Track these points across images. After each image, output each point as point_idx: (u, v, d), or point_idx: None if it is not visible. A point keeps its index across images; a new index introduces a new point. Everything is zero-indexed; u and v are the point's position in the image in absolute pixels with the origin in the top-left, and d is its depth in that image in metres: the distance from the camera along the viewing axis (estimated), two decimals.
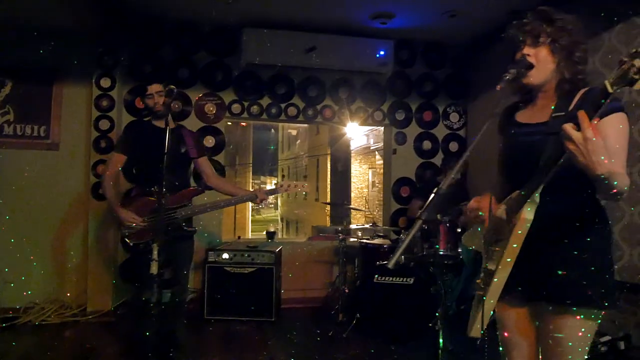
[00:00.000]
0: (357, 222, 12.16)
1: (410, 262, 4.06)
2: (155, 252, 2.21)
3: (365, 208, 11.97)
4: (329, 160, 15.12)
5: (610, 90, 1.22)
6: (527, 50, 1.66)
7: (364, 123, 5.70)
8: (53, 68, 4.80)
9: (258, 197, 3.25)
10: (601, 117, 1.31)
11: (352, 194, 16.66)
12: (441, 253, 4.13)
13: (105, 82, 4.75)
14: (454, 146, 5.71)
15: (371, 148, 14.30)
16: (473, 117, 5.70)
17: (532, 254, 1.59)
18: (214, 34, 5.08)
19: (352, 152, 16.15)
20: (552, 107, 1.65)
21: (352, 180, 16.88)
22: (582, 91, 1.62)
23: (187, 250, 3.33)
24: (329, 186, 16.02)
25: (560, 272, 1.59)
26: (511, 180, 1.74)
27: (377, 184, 13.44)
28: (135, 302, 4.55)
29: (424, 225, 4.18)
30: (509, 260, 1.57)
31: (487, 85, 5.28)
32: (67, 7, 3.98)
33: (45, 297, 4.60)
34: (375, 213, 11.49)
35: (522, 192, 1.56)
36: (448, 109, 5.73)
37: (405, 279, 3.96)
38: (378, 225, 4.79)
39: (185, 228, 3.22)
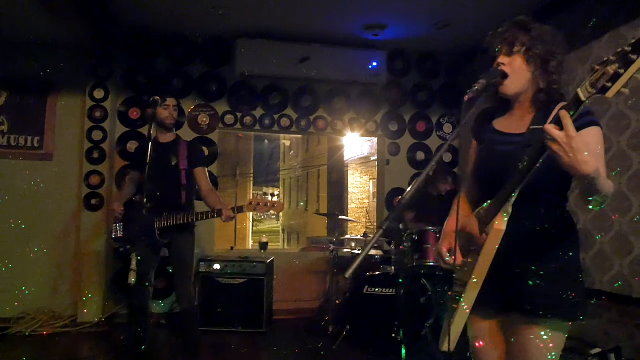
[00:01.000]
0: (356, 233, 12.12)
1: (401, 273, 4.04)
2: (133, 262, 2.21)
3: (366, 219, 11.94)
4: (327, 171, 15.18)
5: (583, 98, 1.21)
6: (502, 59, 1.65)
7: (358, 134, 5.70)
8: (48, 80, 4.85)
9: (224, 215, 3.16)
10: (578, 130, 1.28)
11: (353, 205, 16.64)
12: (431, 264, 4.12)
13: (99, 94, 4.79)
14: (447, 157, 5.70)
15: (371, 159, 14.31)
16: (467, 128, 5.68)
17: (502, 265, 1.57)
18: (207, 45, 5.12)
19: (352, 163, 16.16)
20: (530, 119, 1.65)
21: (353, 191, 16.87)
22: (560, 105, 1.61)
23: (182, 258, 3.32)
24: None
25: (530, 284, 1.57)
26: (484, 189, 1.72)
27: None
28: (128, 313, 4.58)
29: (414, 237, 4.18)
30: (481, 271, 1.56)
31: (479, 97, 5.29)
32: (59, 20, 4.03)
33: (37, 308, 4.60)
34: (374, 224, 11.46)
35: (494, 202, 1.55)
36: (442, 120, 5.73)
37: (394, 290, 3.93)
38: (370, 236, 4.76)
39: (177, 239, 3.25)
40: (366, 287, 3.99)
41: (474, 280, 1.57)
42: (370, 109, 5.57)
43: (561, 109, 1.59)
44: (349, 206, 16.30)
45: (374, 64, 5.15)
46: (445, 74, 5.69)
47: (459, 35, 5.04)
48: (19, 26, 4.42)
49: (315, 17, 4.67)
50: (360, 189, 17.00)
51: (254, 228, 23.48)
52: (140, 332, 2.93)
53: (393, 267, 4.06)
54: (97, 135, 4.78)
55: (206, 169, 3.51)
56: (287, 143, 18.82)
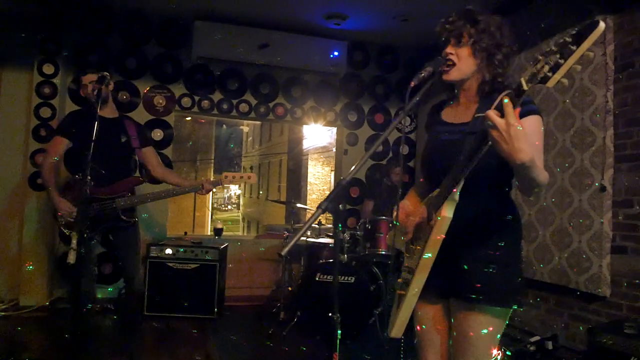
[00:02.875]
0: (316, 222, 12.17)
1: (353, 261, 4.09)
2: (74, 241, 2.14)
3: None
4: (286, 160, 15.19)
5: (525, 87, 1.24)
6: (450, 49, 1.67)
7: (317, 123, 5.71)
8: None
9: (204, 188, 3.19)
10: (519, 118, 1.31)
11: (314, 196, 16.67)
12: (383, 252, 4.19)
13: (49, 69, 4.59)
14: (404, 149, 5.79)
15: (332, 150, 14.36)
16: (424, 121, 5.78)
17: (446, 252, 1.60)
18: (164, 26, 4.99)
19: (314, 153, 16.16)
20: (475, 108, 1.68)
21: (315, 182, 16.90)
22: (504, 93, 1.66)
23: (130, 241, 3.25)
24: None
25: (469, 270, 1.62)
26: (431, 179, 1.76)
27: None
28: (71, 297, 4.44)
29: (367, 225, 4.22)
30: (428, 258, 1.58)
31: (436, 90, 5.38)
32: None
33: None
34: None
35: (441, 190, 1.58)
36: (400, 112, 5.80)
37: (346, 278, 3.97)
38: (323, 224, 4.80)
39: (124, 218, 3.14)
40: (318, 274, 4.02)
41: (427, 258, 1.59)
42: (330, 98, 5.58)
43: (503, 96, 1.65)
44: (310, 197, 16.32)
45: (335, 53, 5.16)
46: (404, 68, 5.75)
47: (418, 30, 5.09)
48: None
49: (276, 3, 4.62)
50: (322, 179, 17.04)
51: (214, 216, 23.23)
52: (82, 317, 2.83)
53: (345, 256, 4.09)
54: (45, 112, 4.58)
55: None
56: (246, 129, 18.61)
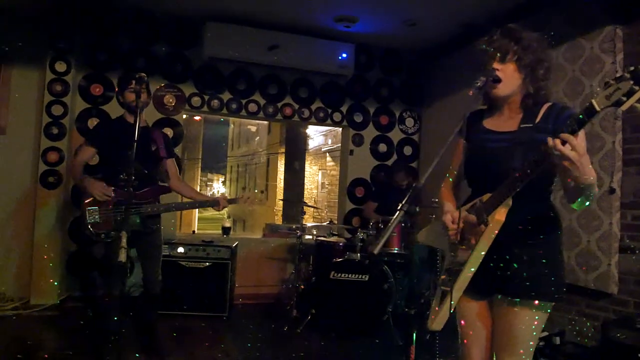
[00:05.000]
0: (312, 221, 12.25)
1: (366, 259, 4.18)
2: (124, 240, 2.18)
3: (319, 207, 12.09)
4: (284, 159, 15.16)
5: (597, 108, 1.34)
6: (495, 65, 1.78)
7: (324, 123, 5.79)
8: (0, 48, 4.54)
9: (220, 205, 3.30)
10: (572, 133, 1.41)
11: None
12: (395, 251, 4.30)
13: (61, 67, 4.57)
14: (408, 150, 5.91)
15: (322, 150, 14.44)
16: (427, 123, 5.93)
17: (494, 251, 1.71)
18: (174, 25, 5.02)
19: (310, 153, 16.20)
20: (520, 118, 1.79)
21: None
22: (546, 105, 1.78)
23: (152, 246, 3.32)
24: (278, 185, 16.01)
25: (519, 268, 1.74)
26: (476, 183, 1.88)
27: (327, 185, 13.58)
28: (90, 295, 4.44)
29: (380, 225, 4.33)
30: (477, 257, 1.70)
31: (441, 93, 5.53)
32: None
33: None
34: (324, 214, 11.62)
35: (495, 195, 1.68)
36: (404, 114, 5.93)
37: (360, 276, 4.07)
38: (335, 223, 4.88)
39: (148, 224, 3.20)
40: (332, 272, 4.10)
41: (469, 266, 1.71)
42: (336, 99, 5.67)
43: (547, 109, 1.75)
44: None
45: (344, 55, 5.25)
46: (407, 71, 5.88)
47: (422, 35, 5.23)
48: None
49: (288, 5, 4.68)
50: (309, 179, 17.10)
51: (200, 214, 23.05)
52: (116, 319, 2.87)
53: (358, 254, 4.19)
54: (57, 110, 4.56)
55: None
56: (253, 129, 18.64)
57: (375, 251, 1.38)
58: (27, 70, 4.64)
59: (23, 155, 4.60)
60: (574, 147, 1.39)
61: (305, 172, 16.96)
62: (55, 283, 4.51)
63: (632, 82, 1.26)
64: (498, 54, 1.78)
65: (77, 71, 4.71)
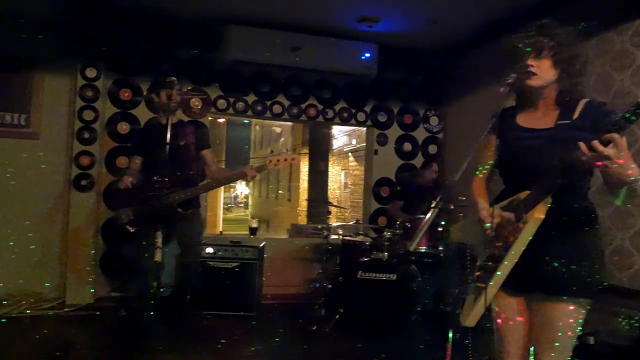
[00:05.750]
0: (336, 221, 12.26)
1: (394, 258, 4.18)
2: (159, 240, 2.24)
3: (337, 209, 12.09)
4: (308, 159, 15.20)
5: None
6: (530, 61, 1.76)
7: (348, 123, 5.81)
8: (33, 56, 4.70)
9: (248, 175, 3.39)
10: (614, 131, 1.40)
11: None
12: (423, 250, 4.28)
13: (91, 73, 4.70)
14: (432, 149, 5.88)
15: (344, 150, 14.44)
16: (451, 121, 5.89)
17: (532, 248, 1.70)
18: (197, 30, 5.09)
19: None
20: (557, 114, 1.78)
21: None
22: (583, 102, 1.76)
23: (186, 231, 3.51)
24: (301, 186, 16.06)
25: (556, 264, 1.72)
26: (511, 180, 1.87)
27: (349, 185, 13.58)
28: (124, 295, 4.56)
29: (407, 224, 4.32)
30: (514, 254, 1.69)
31: (465, 91, 5.48)
32: None
33: (22, 290, 4.50)
34: (347, 214, 11.61)
35: (534, 193, 1.67)
36: (428, 113, 5.90)
37: (388, 275, 4.07)
38: (361, 223, 4.89)
39: (180, 210, 3.31)
40: (360, 272, 4.11)
41: (506, 263, 1.70)
42: (360, 99, 5.68)
43: (584, 106, 1.72)
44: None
45: (367, 55, 5.24)
46: (431, 70, 5.83)
47: (445, 33, 5.19)
48: (7, 3, 4.28)
49: (310, 7, 4.70)
50: (332, 179, 17.11)
51: (224, 216, 23.31)
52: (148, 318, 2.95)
53: (386, 253, 4.18)
54: (88, 115, 4.70)
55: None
56: (278, 130, 18.80)
57: (412, 248, 1.40)
58: (59, 77, 4.78)
59: (56, 160, 4.74)
60: (619, 148, 1.38)
61: (329, 173, 16.99)
62: (90, 284, 4.63)
63: None
64: (533, 50, 1.76)
65: (106, 77, 4.84)
